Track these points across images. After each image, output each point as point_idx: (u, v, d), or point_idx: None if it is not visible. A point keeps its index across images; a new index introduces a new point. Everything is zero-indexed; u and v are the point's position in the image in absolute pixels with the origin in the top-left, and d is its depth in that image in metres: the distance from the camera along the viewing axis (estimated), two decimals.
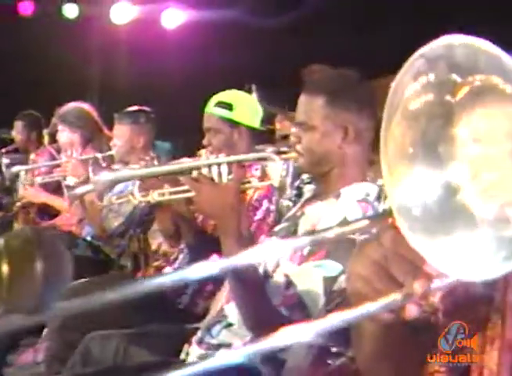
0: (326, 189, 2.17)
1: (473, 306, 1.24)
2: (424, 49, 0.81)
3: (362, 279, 0.96)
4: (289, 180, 3.36)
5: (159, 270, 3.11)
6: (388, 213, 0.95)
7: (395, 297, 0.90)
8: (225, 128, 2.96)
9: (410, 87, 0.84)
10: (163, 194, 2.38)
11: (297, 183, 3.33)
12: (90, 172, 3.39)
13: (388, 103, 0.86)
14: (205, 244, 2.75)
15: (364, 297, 0.93)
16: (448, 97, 0.84)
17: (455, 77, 0.81)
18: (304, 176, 2.57)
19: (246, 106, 3.05)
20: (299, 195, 2.68)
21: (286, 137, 4.10)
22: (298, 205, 2.30)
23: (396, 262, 0.91)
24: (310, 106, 2.12)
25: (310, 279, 1.95)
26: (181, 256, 3.05)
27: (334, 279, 1.93)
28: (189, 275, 0.86)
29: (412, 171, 0.87)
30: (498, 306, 1.18)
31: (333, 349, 3.35)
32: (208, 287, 2.91)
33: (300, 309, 1.94)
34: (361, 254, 0.97)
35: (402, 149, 0.87)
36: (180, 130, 4.23)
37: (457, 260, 0.83)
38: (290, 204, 2.57)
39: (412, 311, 0.90)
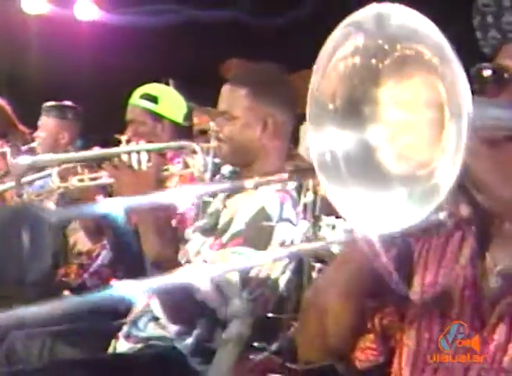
0: None
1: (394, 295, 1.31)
2: (355, 16, 0.85)
3: None
4: (208, 175, 3.38)
5: (81, 268, 3.08)
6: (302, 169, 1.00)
7: None
8: (148, 121, 2.97)
9: (340, 50, 0.89)
10: (82, 180, 2.36)
11: (217, 178, 3.37)
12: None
13: (318, 62, 0.91)
14: (128, 239, 2.75)
15: None
16: (374, 62, 0.89)
17: (383, 43, 0.86)
18: (225, 171, 2.61)
19: (172, 101, 3.06)
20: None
21: (204, 132, 4.11)
22: (221, 199, 2.34)
23: None
24: (233, 96, 2.17)
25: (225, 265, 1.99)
26: (103, 252, 3.03)
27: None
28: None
29: (335, 128, 0.93)
30: None
31: (255, 344, 3.42)
32: None
33: (216, 294, 1.96)
34: None
35: (326, 106, 0.92)
36: (92, 126, 4.17)
37: (368, 213, 0.89)
38: (211, 199, 2.60)
39: None
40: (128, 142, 2.21)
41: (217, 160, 3.75)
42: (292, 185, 2.16)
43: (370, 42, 0.86)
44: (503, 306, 1.18)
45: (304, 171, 1.12)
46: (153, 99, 2.98)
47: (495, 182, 0.94)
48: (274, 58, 2.28)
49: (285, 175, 1.05)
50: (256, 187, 2.12)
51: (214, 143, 2.27)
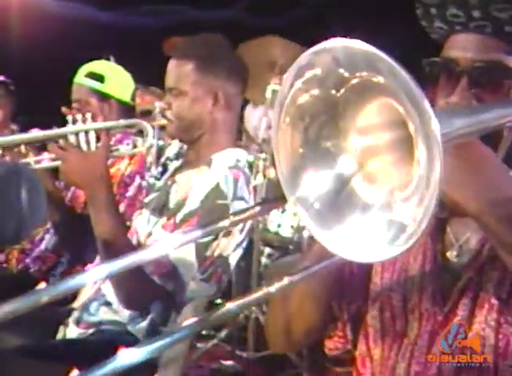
0: (196, 156, 2.17)
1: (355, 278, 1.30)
2: (312, 50, 0.85)
3: None
4: (151, 158, 3.32)
5: (23, 253, 2.96)
6: (275, 200, 1.01)
7: None
8: (94, 100, 2.87)
9: (296, 83, 0.88)
10: (28, 164, 2.28)
11: (162, 160, 3.30)
12: None
13: (277, 101, 0.90)
14: (74, 223, 2.67)
15: None
16: (332, 92, 0.89)
17: (342, 71, 0.85)
18: (170, 153, 2.53)
19: (118, 79, 2.97)
20: (165, 172, 2.65)
21: (147, 112, 4.03)
22: (168, 174, 2.28)
23: None
24: (180, 71, 2.11)
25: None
26: (47, 236, 2.92)
27: (206, 245, 1.95)
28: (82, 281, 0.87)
29: (307, 169, 0.92)
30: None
31: (204, 332, 3.38)
32: (78, 268, 2.81)
33: (173, 276, 1.94)
34: None
35: (292, 150, 0.92)
36: (29, 106, 4.02)
37: (352, 244, 0.88)
38: (156, 182, 2.53)
39: None
40: (75, 121, 2.11)
41: (161, 143, 3.70)
42: (243, 161, 2.12)
43: (326, 73, 0.87)
44: (465, 281, 1.18)
45: (274, 203, 1.13)
46: (99, 78, 2.88)
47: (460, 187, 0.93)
48: None
49: (257, 209, 1.05)
50: (209, 165, 2.08)
51: (163, 121, 2.21)
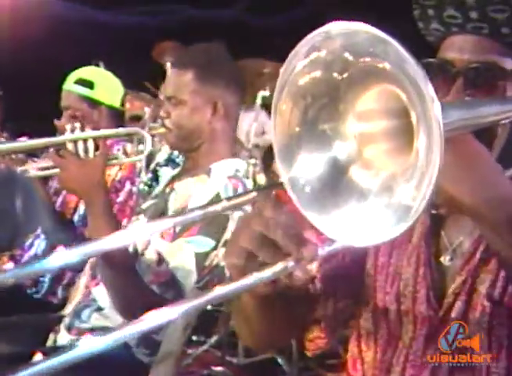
0: (195, 165, 2.17)
1: (348, 279, 1.29)
2: (322, 29, 0.84)
3: (245, 252, 0.97)
4: (141, 164, 3.30)
5: (12, 259, 2.95)
6: (272, 186, 0.98)
7: (282, 265, 0.93)
8: (84, 107, 2.87)
9: (300, 63, 0.87)
10: (25, 171, 2.26)
11: (152, 166, 3.29)
12: None
13: (279, 81, 0.89)
14: (64, 229, 2.66)
15: (245, 270, 0.96)
16: (334, 75, 0.88)
17: (347, 55, 0.85)
18: (160, 159, 2.53)
19: (108, 85, 2.97)
20: (155, 178, 2.64)
21: (136, 118, 4.02)
22: (166, 181, 2.27)
23: (279, 230, 0.94)
24: (179, 80, 2.11)
25: (182, 255, 1.95)
26: (36, 242, 2.91)
27: (206, 254, 1.95)
28: (49, 264, 0.86)
29: (301, 150, 0.91)
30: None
31: (194, 338, 3.37)
32: (68, 274, 2.80)
33: (172, 285, 1.94)
34: (243, 228, 0.98)
35: (289, 128, 0.91)
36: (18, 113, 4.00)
37: (349, 229, 0.88)
38: (146, 188, 2.53)
39: (299, 275, 0.94)
40: (73, 130, 2.11)
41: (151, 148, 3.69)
42: (242, 171, 2.12)
43: (330, 56, 0.86)
44: (459, 283, 1.19)
45: (270, 188, 1.11)
46: (89, 85, 2.88)
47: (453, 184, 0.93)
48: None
49: (253, 194, 1.03)
50: (208, 174, 2.07)
51: (162, 130, 2.21)
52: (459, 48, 1.21)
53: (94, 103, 2.88)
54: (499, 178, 0.95)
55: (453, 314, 1.18)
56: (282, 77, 0.89)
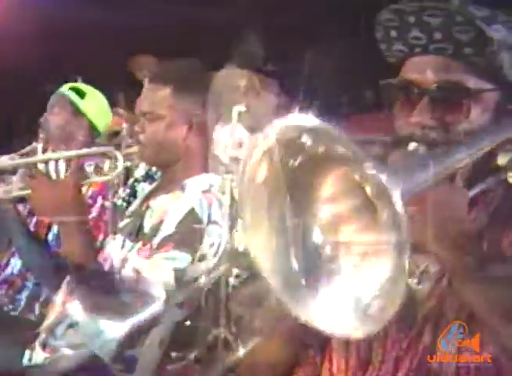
0: (170, 181, 2.17)
1: None
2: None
3: None
4: (119, 180, 3.29)
5: None
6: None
7: None
8: (68, 112, 2.94)
9: (256, 153, 0.90)
10: None
11: (130, 182, 3.28)
12: None
13: (238, 181, 0.92)
14: (38, 248, 2.64)
15: None
16: (290, 162, 0.91)
17: (305, 140, 0.87)
18: (138, 175, 2.53)
19: (97, 103, 3.05)
20: (133, 194, 2.64)
21: (115, 134, 4.01)
22: (141, 199, 2.27)
23: None
24: (156, 95, 2.12)
25: (161, 272, 1.95)
26: (12, 260, 2.89)
27: (184, 270, 1.95)
28: None
29: (273, 243, 0.94)
30: None
31: (173, 354, 3.35)
32: (45, 291, 2.79)
33: (151, 303, 1.92)
34: None
35: (258, 224, 0.94)
36: None
37: (324, 314, 0.91)
38: (124, 203, 2.52)
39: None
40: (45, 150, 2.12)
41: (128, 164, 3.69)
42: (216, 186, 2.12)
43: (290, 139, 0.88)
44: (428, 309, 1.20)
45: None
46: (81, 93, 2.97)
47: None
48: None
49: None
50: (182, 190, 2.08)
51: (135, 148, 2.21)
52: (421, 69, 1.21)
53: (78, 112, 2.94)
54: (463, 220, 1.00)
55: (425, 337, 1.19)
56: (239, 181, 0.93)
